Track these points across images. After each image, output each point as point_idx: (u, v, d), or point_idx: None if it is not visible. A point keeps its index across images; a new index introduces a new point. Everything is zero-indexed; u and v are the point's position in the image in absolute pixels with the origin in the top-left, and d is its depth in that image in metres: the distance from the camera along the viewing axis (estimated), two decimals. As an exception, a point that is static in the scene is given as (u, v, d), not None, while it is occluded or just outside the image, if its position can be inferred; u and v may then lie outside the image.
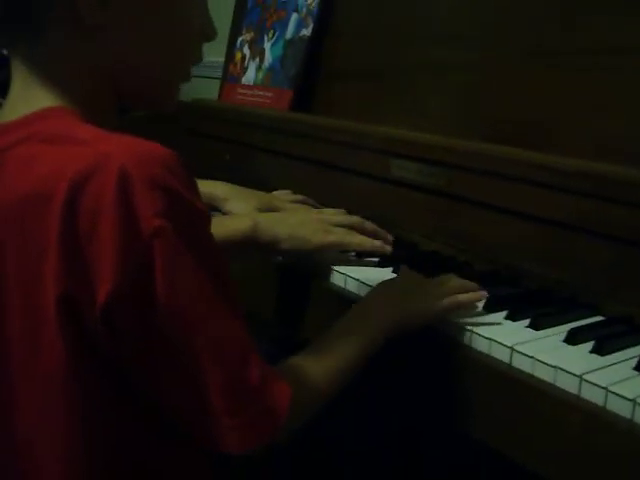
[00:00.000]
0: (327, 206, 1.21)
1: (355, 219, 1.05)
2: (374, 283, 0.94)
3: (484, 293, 0.89)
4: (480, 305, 0.89)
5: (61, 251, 0.61)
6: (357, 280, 0.98)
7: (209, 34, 0.78)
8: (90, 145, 0.63)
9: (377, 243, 1.01)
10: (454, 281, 0.89)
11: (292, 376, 0.73)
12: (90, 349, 0.64)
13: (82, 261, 0.61)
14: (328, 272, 1.02)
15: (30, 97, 0.69)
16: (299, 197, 1.22)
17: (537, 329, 0.84)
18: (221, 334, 0.65)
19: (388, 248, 1.02)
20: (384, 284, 0.92)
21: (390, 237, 1.05)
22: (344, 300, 0.97)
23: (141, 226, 0.60)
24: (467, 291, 0.89)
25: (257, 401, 0.67)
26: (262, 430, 0.67)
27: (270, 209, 1.16)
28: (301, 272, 1.06)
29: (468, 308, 0.88)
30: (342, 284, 1.00)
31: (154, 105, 0.79)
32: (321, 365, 0.78)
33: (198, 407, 0.65)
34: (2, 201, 0.65)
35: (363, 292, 0.97)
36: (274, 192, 1.22)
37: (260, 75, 1.64)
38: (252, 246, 1.00)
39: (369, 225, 1.05)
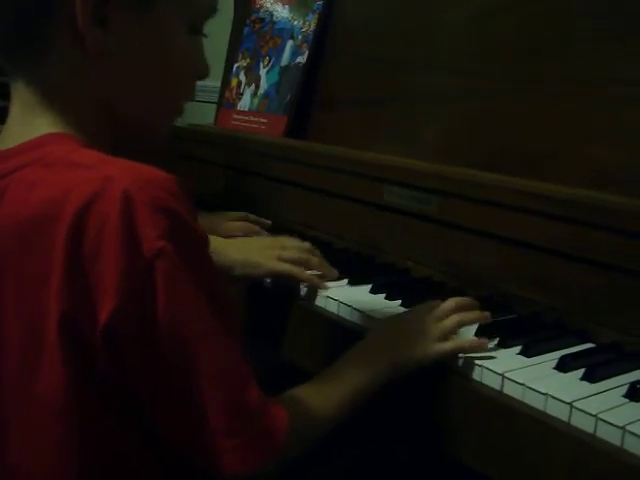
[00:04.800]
0: (320, 231, 1.21)
1: (307, 245, 1.08)
2: (366, 308, 0.95)
3: (487, 314, 0.91)
4: (472, 331, 0.90)
5: (65, 272, 0.61)
6: (350, 306, 0.98)
7: (203, 73, 0.79)
8: (94, 169, 0.64)
9: (323, 282, 1.05)
10: (453, 318, 0.89)
11: (292, 405, 0.74)
12: (90, 375, 0.64)
13: (85, 281, 0.61)
14: (314, 297, 1.04)
15: (30, 122, 0.70)
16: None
17: (528, 356, 0.84)
18: (221, 354, 0.66)
19: (326, 286, 1.05)
20: (388, 325, 0.92)
21: (335, 272, 1.08)
22: (335, 326, 0.98)
23: (144, 247, 0.61)
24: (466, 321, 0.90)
25: (256, 422, 0.68)
26: (261, 451, 0.67)
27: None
28: (284, 294, 1.07)
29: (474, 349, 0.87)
30: (335, 310, 1.01)
31: (144, 139, 0.79)
32: (321, 398, 0.79)
33: (197, 427, 0.65)
34: (3, 223, 0.66)
35: (355, 317, 0.97)
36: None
37: (255, 101, 1.66)
38: None
39: (317, 254, 1.08)
